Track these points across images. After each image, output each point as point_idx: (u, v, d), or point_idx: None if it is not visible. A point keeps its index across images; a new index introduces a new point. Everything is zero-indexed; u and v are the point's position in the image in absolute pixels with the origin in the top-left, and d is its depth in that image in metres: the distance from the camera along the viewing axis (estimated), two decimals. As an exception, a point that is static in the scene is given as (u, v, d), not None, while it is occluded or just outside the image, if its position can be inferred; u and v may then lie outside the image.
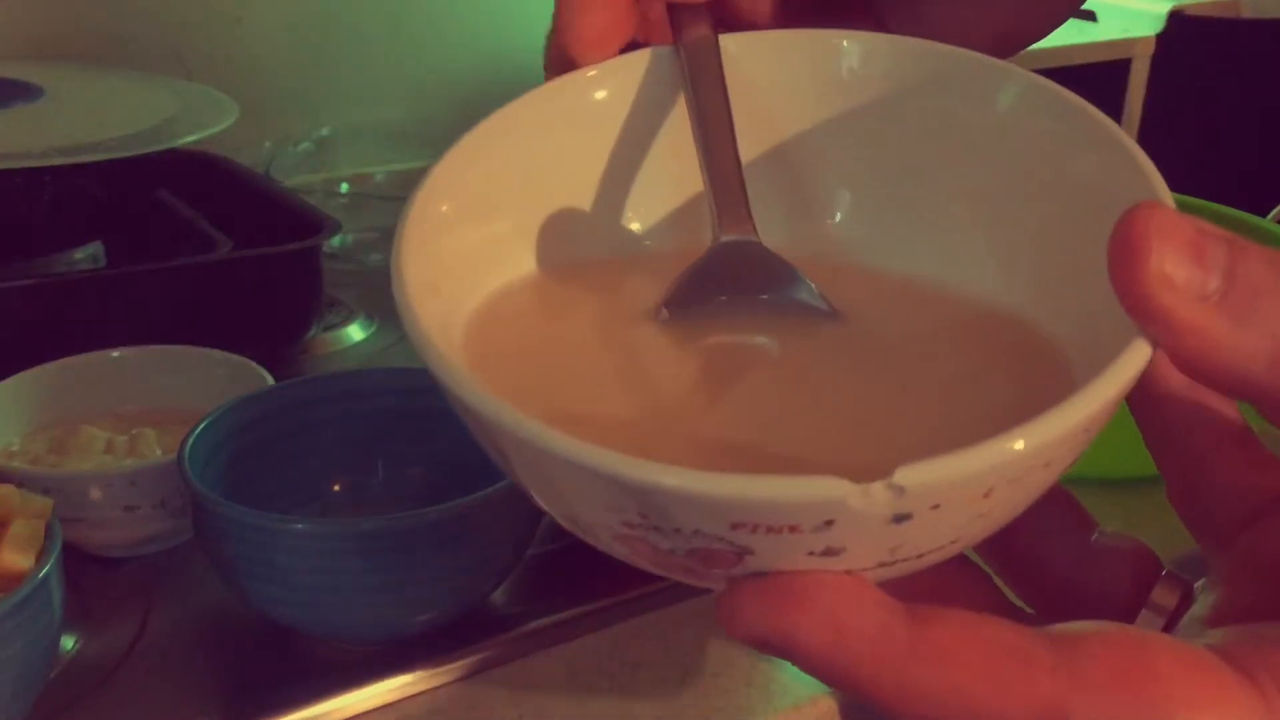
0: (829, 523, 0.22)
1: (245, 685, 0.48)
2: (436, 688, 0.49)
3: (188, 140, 0.72)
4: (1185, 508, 0.32)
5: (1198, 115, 0.93)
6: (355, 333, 0.79)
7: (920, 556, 0.24)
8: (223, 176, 0.82)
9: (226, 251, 0.68)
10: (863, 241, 0.35)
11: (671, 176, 0.36)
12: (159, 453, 0.55)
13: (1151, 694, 0.23)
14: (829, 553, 0.23)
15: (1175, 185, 0.77)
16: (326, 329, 0.75)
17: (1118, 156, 0.30)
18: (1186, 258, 0.25)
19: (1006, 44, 0.42)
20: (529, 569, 0.56)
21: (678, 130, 0.35)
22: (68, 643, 0.50)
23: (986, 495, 0.23)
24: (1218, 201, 0.72)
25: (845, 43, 0.35)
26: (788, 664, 0.51)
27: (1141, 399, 0.31)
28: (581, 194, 0.35)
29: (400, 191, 1.01)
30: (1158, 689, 0.23)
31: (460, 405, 0.26)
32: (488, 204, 0.33)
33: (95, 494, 0.51)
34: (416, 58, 1.05)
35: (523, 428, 0.24)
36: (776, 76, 0.36)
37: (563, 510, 0.26)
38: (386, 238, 0.86)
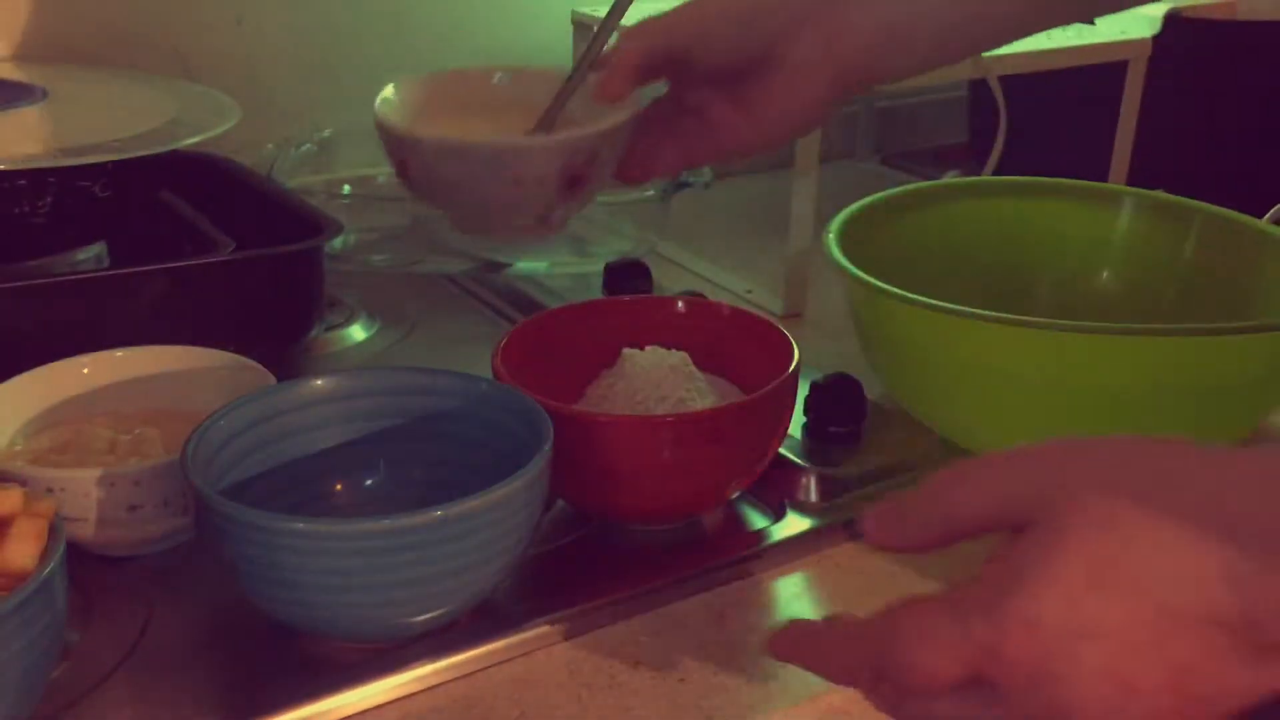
0: None
1: (246, 684, 0.49)
2: (436, 687, 0.49)
3: (190, 142, 0.72)
4: None
5: (1195, 116, 0.93)
6: (357, 333, 0.79)
7: None
8: (225, 178, 0.83)
9: (229, 252, 0.68)
10: None
11: None
12: (162, 453, 0.55)
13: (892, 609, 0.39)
14: None
15: (1173, 187, 0.77)
16: (329, 329, 0.75)
17: None
18: None
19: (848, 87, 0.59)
20: (529, 569, 0.56)
21: None
22: (70, 641, 0.50)
23: None
24: (1215, 203, 0.72)
25: None
26: (788, 662, 0.51)
27: None
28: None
29: (402, 193, 1.01)
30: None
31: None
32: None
33: (98, 494, 0.52)
34: (417, 59, 1.05)
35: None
36: None
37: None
38: (388, 239, 0.86)
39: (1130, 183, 0.92)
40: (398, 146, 0.59)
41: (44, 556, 0.43)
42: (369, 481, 0.57)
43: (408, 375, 0.57)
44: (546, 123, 0.60)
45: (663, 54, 0.59)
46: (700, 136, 0.60)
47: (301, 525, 0.46)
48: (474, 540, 0.46)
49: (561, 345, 0.64)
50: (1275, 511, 0.35)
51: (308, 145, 0.98)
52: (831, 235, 0.69)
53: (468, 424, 0.55)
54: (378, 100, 0.60)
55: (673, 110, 0.61)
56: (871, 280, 0.62)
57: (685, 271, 0.92)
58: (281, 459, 0.55)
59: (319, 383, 0.56)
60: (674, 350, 0.61)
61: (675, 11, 0.59)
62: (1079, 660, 0.35)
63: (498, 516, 0.47)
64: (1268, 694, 0.35)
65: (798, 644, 0.41)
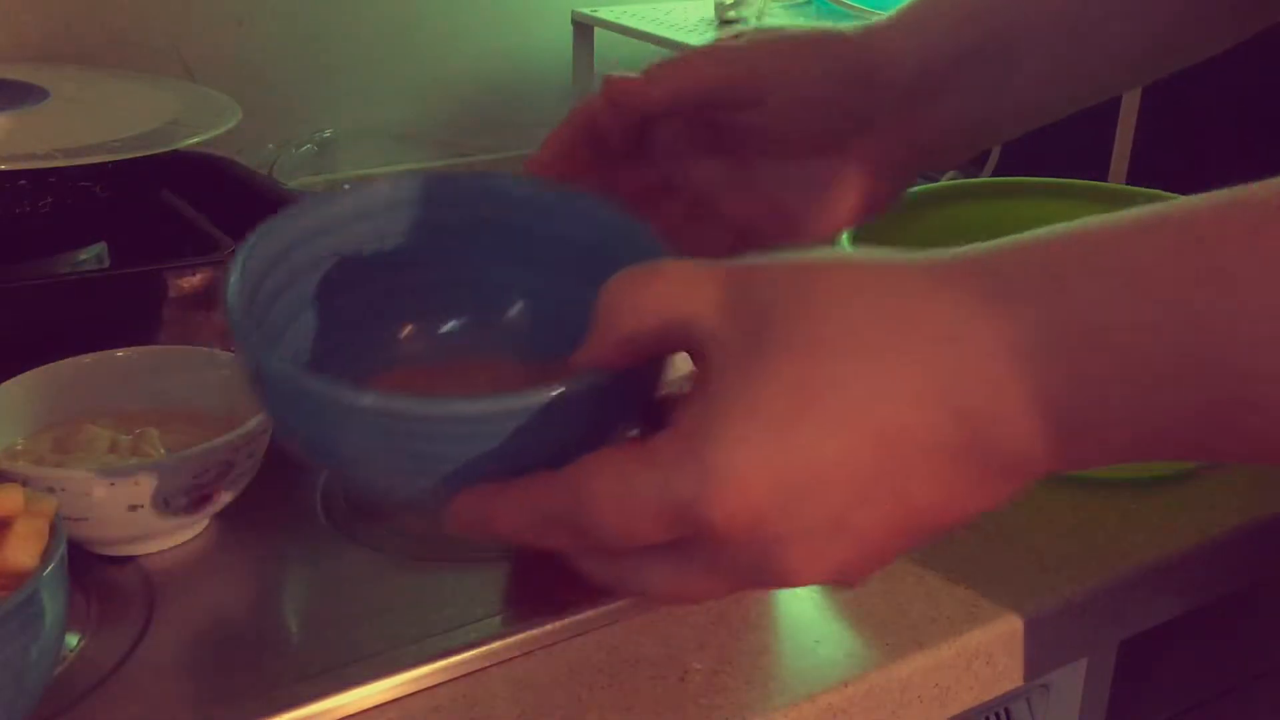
0: None
1: (246, 684, 0.49)
2: (436, 686, 0.49)
3: (191, 142, 0.72)
4: None
5: (1194, 115, 0.93)
6: (357, 333, 0.79)
7: None
8: (226, 178, 0.83)
9: (229, 253, 0.68)
10: None
11: None
12: (162, 452, 0.55)
13: (576, 466, 0.33)
14: None
15: (1173, 185, 0.77)
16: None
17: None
18: None
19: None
20: (529, 569, 0.56)
21: None
22: (71, 641, 0.50)
23: None
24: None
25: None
26: (786, 661, 0.51)
27: None
28: None
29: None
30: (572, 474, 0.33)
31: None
32: None
33: (99, 493, 0.52)
34: (417, 60, 1.06)
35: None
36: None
37: None
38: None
39: (1130, 183, 0.92)
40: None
41: (44, 556, 0.43)
42: (447, 326, 0.44)
43: (503, 183, 0.44)
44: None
45: (706, 97, 0.47)
46: (751, 231, 0.50)
47: (369, 401, 0.34)
48: (585, 423, 0.36)
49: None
50: (993, 333, 0.30)
51: (308, 145, 0.98)
52: (832, 235, 0.68)
53: (578, 254, 0.43)
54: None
55: (732, 183, 0.50)
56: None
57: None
58: (336, 288, 0.42)
59: (387, 185, 0.43)
60: (674, 350, 0.61)
61: (749, 50, 0.47)
62: (795, 513, 0.31)
63: (613, 395, 0.36)
64: (980, 512, 0.33)
65: (476, 509, 0.35)
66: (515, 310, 0.44)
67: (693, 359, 0.33)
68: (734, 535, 0.31)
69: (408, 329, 0.44)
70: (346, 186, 0.95)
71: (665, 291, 0.33)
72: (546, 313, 0.43)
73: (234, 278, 0.38)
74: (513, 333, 0.44)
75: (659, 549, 0.33)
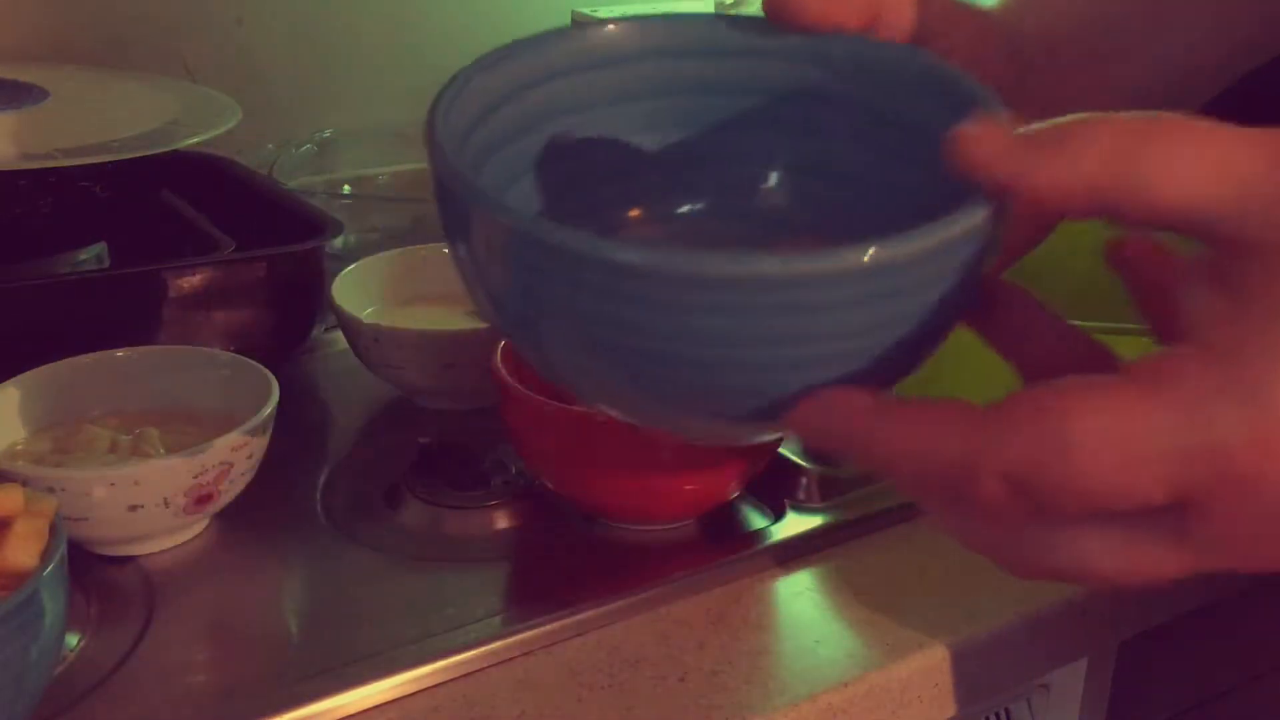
0: None
1: (246, 684, 0.49)
2: (436, 687, 0.49)
3: (191, 142, 0.72)
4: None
5: (1196, 114, 0.93)
6: (357, 333, 0.79)
7: None
8: (226, 178, 0.83)
9: (229, 253, 0.68)
10: None
11: None
12: (162, 452, 0.55)
13: (1044, 398, 0.25)
14: None
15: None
16: (329, 330, 0.75)
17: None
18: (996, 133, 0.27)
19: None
20: (529, 569, 0.56)
21: None
22: (71, 641, 0.50)
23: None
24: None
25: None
26: (786, 661, 0.51)
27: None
28: None
29: (403, 193, 1.01)
30: (1050, 394, 0.25)
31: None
32: None
33: (99, 493, 0.52)
34: (418, 59, 1.05)
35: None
36: None
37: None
38: (389, 239, 0.86)
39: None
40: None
41: (45, 556, 0.43)
42: (684, 207, 0.35)
43: (766, 29, 0.33)
44: None
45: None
46: None
47: (631, 257, 0.26)
48: (965, 278, 0.29)
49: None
50: None
51: (308, 145, 0.98)
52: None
53: (868, 119, 0.34)
54: None
55: None
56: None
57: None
58: (556, 153, 0.34)
59: (631, 29, 0.34)
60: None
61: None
62: None
63: (937, 268, 0.28)
64: None
65: (846, 421, 0.27)
66: (772, 191, 0.35)
67: (1219, 251, 0.26)
68: (1270, 492, 0.24)
69: (636, 211, 0.35)
70: (347, 189, 0.95)
71: (1205, 157, 0.26)
72: (814, 194, 0.34)
73: (440, 120, 0.31)
74: (767, 220, 0.35)
75: (1117, 516, 0.25)
